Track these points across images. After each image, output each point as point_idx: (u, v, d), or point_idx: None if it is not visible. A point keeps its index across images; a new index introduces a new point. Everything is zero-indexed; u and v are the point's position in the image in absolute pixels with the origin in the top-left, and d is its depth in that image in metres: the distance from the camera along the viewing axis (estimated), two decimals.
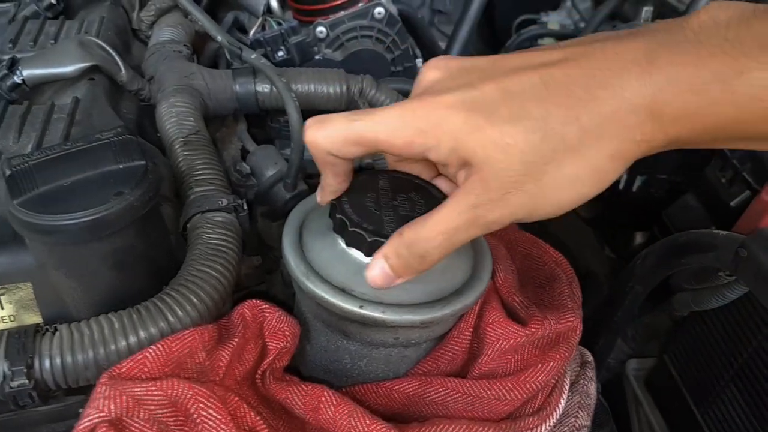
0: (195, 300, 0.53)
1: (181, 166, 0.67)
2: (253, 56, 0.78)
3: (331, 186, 0.52)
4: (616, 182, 1.14)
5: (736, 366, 0.83)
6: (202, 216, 0.61)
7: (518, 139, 0.40)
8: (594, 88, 0.39)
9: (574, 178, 0.41)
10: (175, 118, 0.72)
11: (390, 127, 0.43)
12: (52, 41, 0.82)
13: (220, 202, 0.62)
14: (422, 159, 0.48)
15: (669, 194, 1.09)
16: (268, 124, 0.94)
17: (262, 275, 0.84)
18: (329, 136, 0.46)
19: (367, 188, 0.54)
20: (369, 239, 0.50)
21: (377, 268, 0.48)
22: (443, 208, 0.44)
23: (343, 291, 0.53)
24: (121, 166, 0.52)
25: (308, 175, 0.93)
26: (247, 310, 0.56)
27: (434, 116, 0.42)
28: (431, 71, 0.47)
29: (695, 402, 0.91)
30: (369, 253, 0.51)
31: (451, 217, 0.44)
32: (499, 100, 0.41)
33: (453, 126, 0.42)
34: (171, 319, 0.52)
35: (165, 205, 0.65)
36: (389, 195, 0.54)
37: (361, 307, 0.52)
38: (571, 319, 0.60)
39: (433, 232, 0.44)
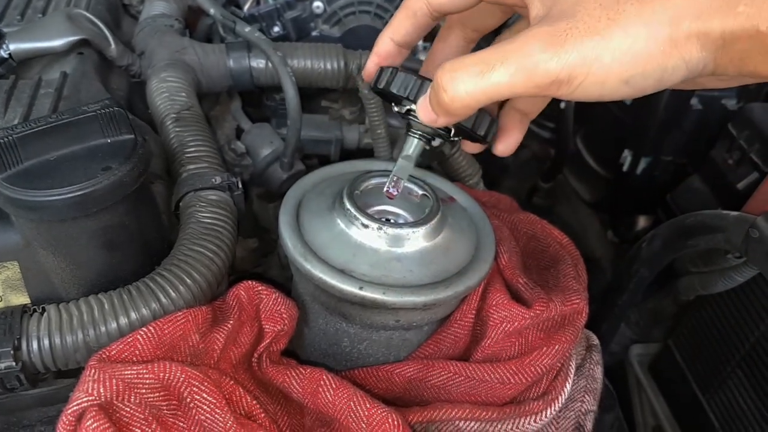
0: (188, 281, 0.51)
1: (173, 142, 0.65)
2: (248, 30, 0.75)
3: (389, 43, 0.49)
4: (620, 164, 1.13)
5: (742, 351, 0.81)
6: (195, 194, 0.59)
7: None
8: None
9: (645, 36, 0.35)
10: (166, 93, 0.69)
11: None
12: (40, 15, 0.79)
13: (213, 180, 0.60)
14: None
15: (674, 177, 1.07)
16: (263, 101, 0.91)
17: (258, 258, 0.83)
18: None
19: None
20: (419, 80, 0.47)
21: (423, 96, 0.45)
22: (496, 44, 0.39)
23: (343, 272, 0.51)
24: (109, 140, 0.50)
25: (305, 156, 0.91)
26: (242, 292, 0.54)
27: None
28: None
29: (701, 388, 0.89)
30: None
31: (496, 49, 0.38)
32: None
33: None
34: (163, 300, 0.50)
35: (156, 183, 0.63)
36: None
37: (361, 288, 0.50)
38: (577, 301, 0.58)
39: (467, 62, 0.39)
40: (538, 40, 0.37)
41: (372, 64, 0.51)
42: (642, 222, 1.20)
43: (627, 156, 1.10)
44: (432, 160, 0.90)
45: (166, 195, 0.62)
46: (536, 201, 1.35)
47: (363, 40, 0.94)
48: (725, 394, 0.84)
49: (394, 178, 0.53)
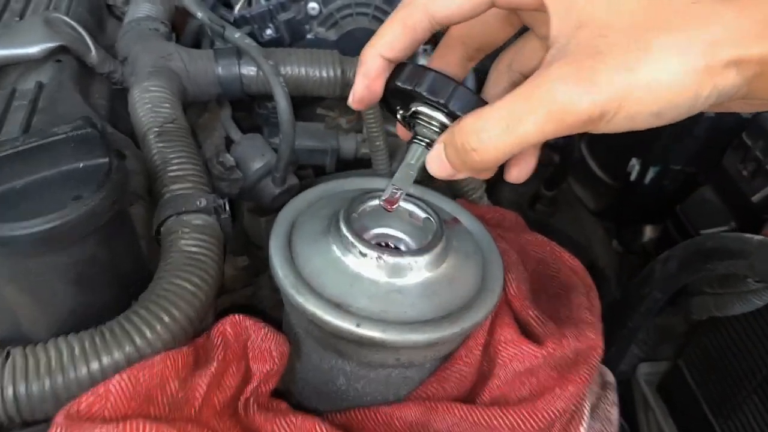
0: (167, 319, 0.47)
1: (156, 159, 0.60)
2: (237, 35, 0.70)
3: (381, 61, 0.44)
4: (627, 173, 1.09)
5: (759, 376, 0.77)
6: (178, 218, 0.55)
7: None
8: None
9: (679, 68, 0.33)
10: (149, 104, 0.65)
11: None
12: (17, 18, 0.74)
13: (198, 202, 0.56)
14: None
15: (683, 187, 1.03)
16: (254, 109, 0.86)
17: (249, 277, 0.78)
18: None
19: None
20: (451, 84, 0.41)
21: (434, 152, 0.41)
22: (516, 89, 0.36)
23: (338, 306, 0.47)
24: (81, 165, 0.46)
25: (300, 167, 0.86)
26: (228, 328, 0.50)
27: None
28: None
29: (713, 412, 0.85)
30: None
31: (518, 98, 0.35)
32: None
33: None
34: (139, 342, 0.46)
35: (136, 204, 0.58)
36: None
37: (358, 325, 0.46)
38: (592, 336, 0.55)
39: (491, 119, 0.36)
40: (565, 81, 0.33)
41: (362, 87, 0.45)
42: (648, 232, 1.16)
43: (635, 165, 1.06)
44: None
45: (146, 218, 0.58)
46: (539, 208, 1.31)
47: (360, 43, 0.88)
48: (740, 419, 0.81)
49: (394, 189, 0.47)
